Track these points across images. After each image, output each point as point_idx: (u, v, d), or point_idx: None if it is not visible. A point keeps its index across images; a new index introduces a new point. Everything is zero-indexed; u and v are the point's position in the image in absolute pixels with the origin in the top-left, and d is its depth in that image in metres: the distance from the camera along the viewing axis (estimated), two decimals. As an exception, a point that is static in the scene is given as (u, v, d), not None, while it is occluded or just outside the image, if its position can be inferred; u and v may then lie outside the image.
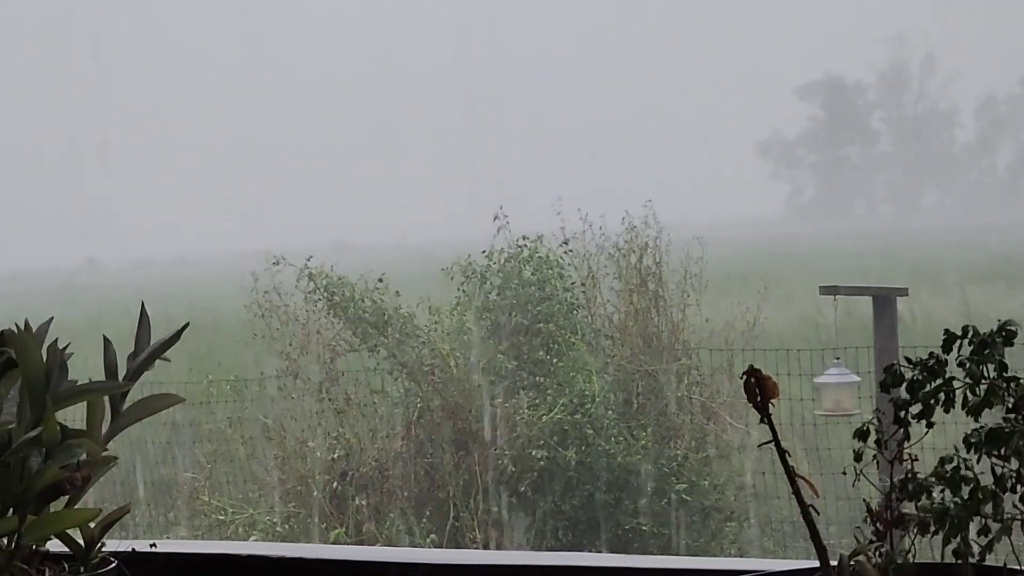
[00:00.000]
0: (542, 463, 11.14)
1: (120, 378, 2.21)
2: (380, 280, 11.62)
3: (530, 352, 11.47)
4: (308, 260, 11.67)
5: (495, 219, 11.82)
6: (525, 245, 11.78)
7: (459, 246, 11.89)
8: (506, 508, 11.15)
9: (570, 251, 11.90)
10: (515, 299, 11.57)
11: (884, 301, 10.15)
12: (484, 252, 11.73)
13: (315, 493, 11.20)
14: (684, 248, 11.82)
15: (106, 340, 2.27)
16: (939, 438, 2.19)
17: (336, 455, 11.38)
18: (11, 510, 2.02)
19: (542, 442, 11.18)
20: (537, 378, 11.40)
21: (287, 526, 11.20)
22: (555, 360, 11.38)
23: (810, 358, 10.98)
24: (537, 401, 11.29)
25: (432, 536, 11.04)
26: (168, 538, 11.24)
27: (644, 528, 10.97)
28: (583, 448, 11.11)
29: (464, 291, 11.62)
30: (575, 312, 11.68)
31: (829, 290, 10.46)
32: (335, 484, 11.27)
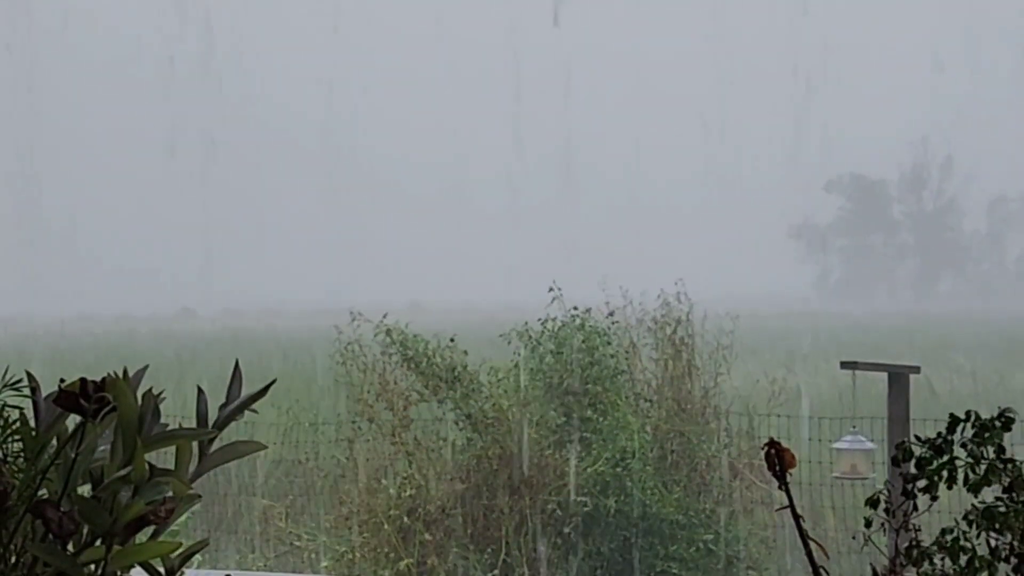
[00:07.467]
0: (586, 509, 11.14)
1: (210, 425, 2.15)
2: (451, 340, 11.51)
3: (579, 410, 11.42)
4: (384, 317, 11.58)
5: (550, 291, 11.75)
6: (577, 315, 11.75)
7: (519, 311, 11.80)
8: (552, 548, 11.08)
9: (615, 322, 11.89)
10: (567, 363, 11.51)
11: (899, 378, 9.84)
12: (540, 320, 11.66)
13: (385, 527, 11.07)
14: (717, 322, 11.78)
15: (199, 391, 2.19)
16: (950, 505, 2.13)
17: (406, 494, 11.28)
18: (99, 540, 2.00)
19: (586, 490, 11.18)
20: (584, 434, 11.37)
21: (358, 554, 11.11)
22: (600, 419, 11.38)
23: (829, 425, 10.96)
24: (583, 454, 11.29)
25: (494, 574, 10.91)
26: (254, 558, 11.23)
27: (674, 572, 10.94)
28: (622, 497, 11.10)
29: (520, 355, 11.59)
30: (619, 377, 11.65)
31: (849, 365, 10.03)
32: (404, 519, 11.15)
